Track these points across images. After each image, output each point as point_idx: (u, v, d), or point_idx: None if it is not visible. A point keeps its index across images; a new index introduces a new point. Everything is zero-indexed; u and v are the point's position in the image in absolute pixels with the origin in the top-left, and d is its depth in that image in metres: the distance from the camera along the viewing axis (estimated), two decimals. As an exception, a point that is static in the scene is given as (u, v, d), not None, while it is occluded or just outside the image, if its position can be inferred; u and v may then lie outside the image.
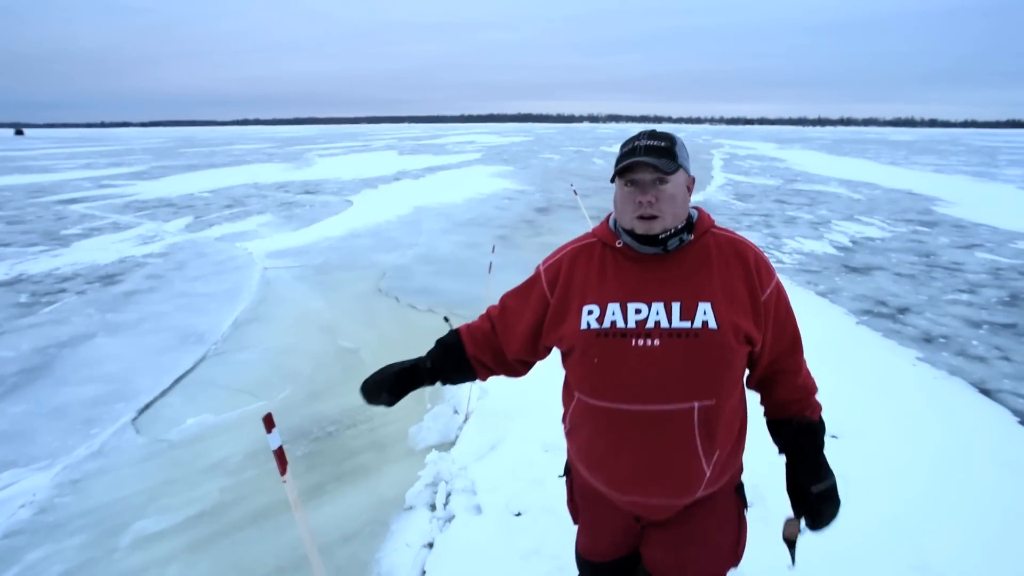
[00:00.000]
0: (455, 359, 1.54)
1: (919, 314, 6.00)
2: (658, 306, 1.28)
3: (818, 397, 1.49)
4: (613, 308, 1.30)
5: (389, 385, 1.49)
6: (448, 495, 3.00)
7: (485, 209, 12.96)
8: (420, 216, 11.99)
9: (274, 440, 1.60)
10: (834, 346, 4.86)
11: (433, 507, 2.95)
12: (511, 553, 2.57)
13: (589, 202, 12.32)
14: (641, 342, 1.26)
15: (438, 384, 1.54)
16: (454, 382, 1.56)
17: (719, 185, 17.71)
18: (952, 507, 2.84)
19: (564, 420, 1.48)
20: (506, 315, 1.51)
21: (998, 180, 19.97)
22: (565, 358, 1.42)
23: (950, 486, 3.01)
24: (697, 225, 1.38)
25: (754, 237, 9.73)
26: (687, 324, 1.26)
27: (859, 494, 2.81)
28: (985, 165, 27.04)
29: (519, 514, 2.81)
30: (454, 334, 1.58)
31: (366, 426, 3.83)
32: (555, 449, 3.30)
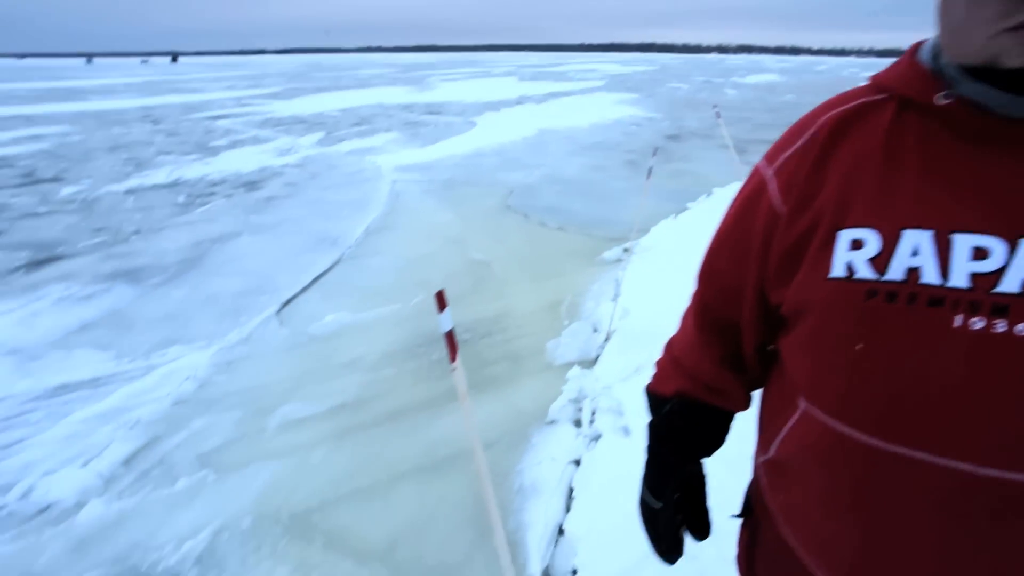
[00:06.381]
0: (703, 427, 0.95)
1: None
2: None
3: None
4: (914, 240, 0.60)
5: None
6: (593, 413, 2.78)
7: (611, 134, 12.26)
8: (544, 139, 11.57)
9: (446, 321, 1.39)
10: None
11: (578, 423, 2.76)
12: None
13: (731, 130, 11.26)
14: (979, 323, 0.56)
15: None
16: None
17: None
18: None
19: (762, 448, 0.83)
20: (718, 279, 0.85)
21: None
22: (785, 330, 0.75)
23: None
24: None
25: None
26: None
27: None
28: None
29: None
30: (663, 399, 0.97)
31: (501, 336, 3.69)
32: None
